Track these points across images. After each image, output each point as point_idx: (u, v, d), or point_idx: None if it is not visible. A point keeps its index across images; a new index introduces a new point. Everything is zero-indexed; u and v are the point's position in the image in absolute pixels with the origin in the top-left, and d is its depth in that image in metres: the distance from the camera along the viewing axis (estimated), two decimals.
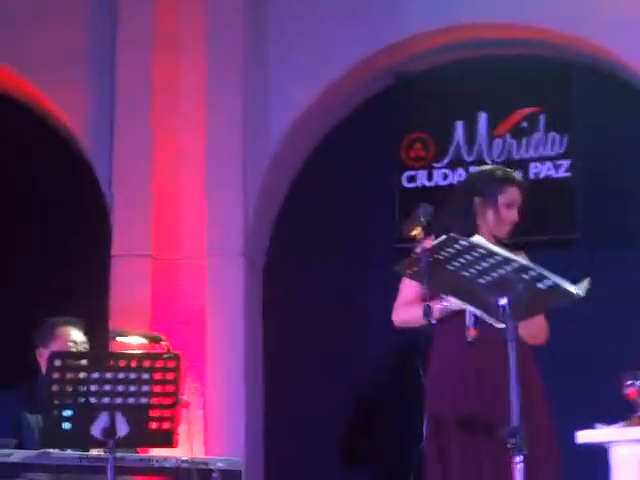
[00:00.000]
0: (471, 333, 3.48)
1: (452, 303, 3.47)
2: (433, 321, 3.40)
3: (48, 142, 6.12)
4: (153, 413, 3.75)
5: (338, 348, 5.45)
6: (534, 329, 3.43)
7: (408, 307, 3.68)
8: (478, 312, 3.15)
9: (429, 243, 3.20)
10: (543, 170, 5.35)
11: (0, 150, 6.04)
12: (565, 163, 5.33)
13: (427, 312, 3.33)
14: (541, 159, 5.36)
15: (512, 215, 3.70)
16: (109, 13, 5.95)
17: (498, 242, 3.48)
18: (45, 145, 6.11)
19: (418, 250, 3.15)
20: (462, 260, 2.96)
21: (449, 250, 2.95)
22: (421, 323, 3.46)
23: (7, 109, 6.14)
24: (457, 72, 5.59)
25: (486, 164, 5.15)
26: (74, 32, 6.10)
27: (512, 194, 3.75)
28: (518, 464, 2.69)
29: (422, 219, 3.38)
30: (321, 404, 5.45)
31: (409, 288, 3.69)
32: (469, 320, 3.51)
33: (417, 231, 3.37)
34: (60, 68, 6.02)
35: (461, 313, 3.52)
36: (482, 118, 5.47)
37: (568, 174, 5.31)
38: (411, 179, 5.54)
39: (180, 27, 5.92)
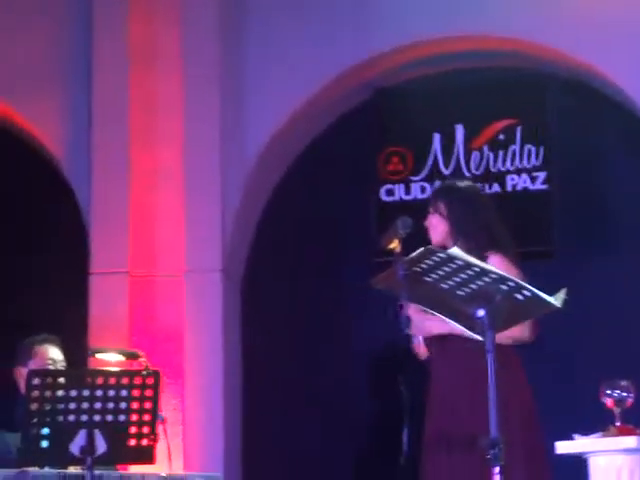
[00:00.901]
0: (422, 351, 3.79)
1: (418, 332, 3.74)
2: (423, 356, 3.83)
3: (27, 161, 6.38)
4: (131, 430, 3.82)
5: (318, 361, 5.55)
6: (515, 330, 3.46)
7: None
8: (458, 324, 3.21)
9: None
10: (520, 182, 5.49)
11: None
12: (542, 175, 5.45)
13: (406, 324, 3.47)
14: (518, 171, 5.50)
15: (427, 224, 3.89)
16: (84, 32, 6.13)
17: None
18: (24, 164, 6.38)
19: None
20: (440, 272, 3.02)
21: (427, 262, 3.01)
22: None
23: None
24: (432, 85, 5.75)
25: (463, 176, 5.31)
26: (50, 53, 6.31)
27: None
28: (496, 475, 2.75)
29: (401, 232, 3.48)
30: (300, 417, 5.56)
31: None
32: (416, 340, 3.75)
33: (395, 244, 3.48)
34: (36, 88, 6.23)
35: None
36: (459, 131, 5.60)
37: (545, 186, 5.44)
38: (389, 193, 5.68)
39: (156, 44, 6.10)
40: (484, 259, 3.54)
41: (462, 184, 4.05)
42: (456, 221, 3.76)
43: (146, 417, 3.84)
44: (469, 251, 3.48)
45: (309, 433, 5.51)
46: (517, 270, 3.62)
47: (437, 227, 3.76)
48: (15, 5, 6.40)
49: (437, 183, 4.74)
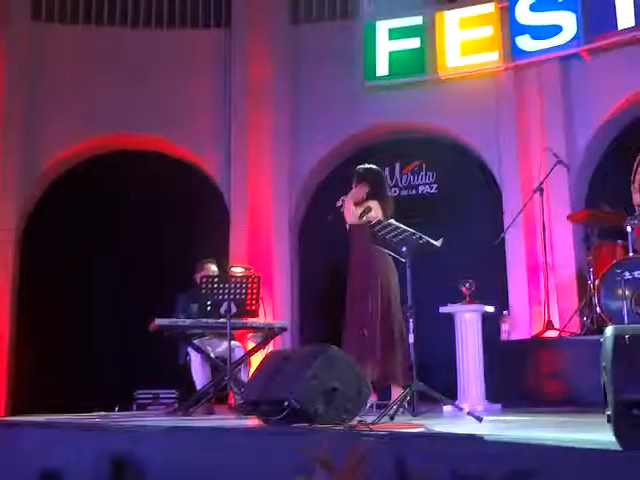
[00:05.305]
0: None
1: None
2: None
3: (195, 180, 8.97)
4: (247, 302, 5.99)
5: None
6: None
7: None
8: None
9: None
10: (423, 190, 8.76)
11: (165, 190, 8.73)
12: (434, 185, 8.69)
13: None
14: (422, 185, 8.64)
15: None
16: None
17: None
18: (194, 183, 8.96)
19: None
20: (386, 230, 5.20)
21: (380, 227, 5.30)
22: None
23: (165, 163, 8.98)
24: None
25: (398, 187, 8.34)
26: (211, 117, 8.95)
27: None
28: None
29: None
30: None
31: None
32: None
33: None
34: (206, 141, 8.94)
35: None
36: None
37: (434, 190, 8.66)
38: None
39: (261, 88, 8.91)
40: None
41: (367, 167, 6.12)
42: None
43: (254, 297, 6.01)
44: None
45: None
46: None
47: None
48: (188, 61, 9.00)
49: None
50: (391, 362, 5.46)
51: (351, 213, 5.75)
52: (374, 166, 6.11)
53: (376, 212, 5.65)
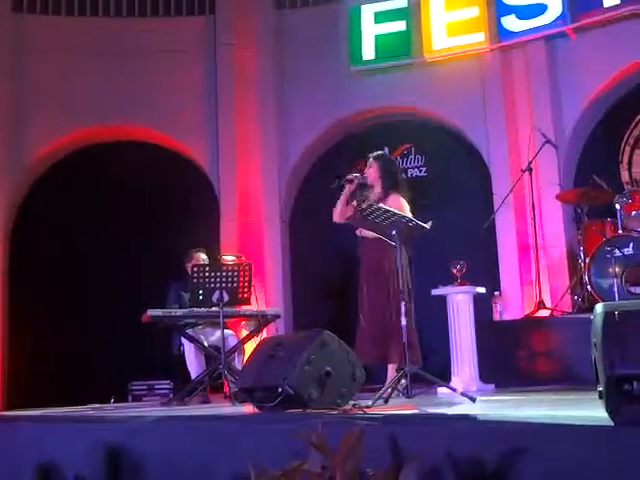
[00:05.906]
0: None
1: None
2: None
3: (184, 170, 8.95)
4: (240, 290, 5.94)
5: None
6: None
7: None
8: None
9: None
10: (412, 173, 8.65)
11: (153, 180, 8.69)
12: (424, 169, 8.57)
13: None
14: (412, 168, 8.52)
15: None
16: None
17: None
18: (183, 173, 8.94)
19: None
20: (376, 213, 5.14)
21: (370, 210, 5.21)
22: None
23: (153, 153, 8.94)
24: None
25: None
26: (198, 105, 8.91)
27: None
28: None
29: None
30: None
31: None
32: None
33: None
34: (194, 130, 8.91)
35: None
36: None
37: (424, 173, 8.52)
38: None
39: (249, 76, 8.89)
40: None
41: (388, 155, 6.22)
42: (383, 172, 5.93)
43: (246, 284, 5.94)
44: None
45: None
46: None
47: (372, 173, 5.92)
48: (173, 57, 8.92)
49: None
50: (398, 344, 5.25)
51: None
52: (385, 152, 6.13)
53: (400, 207, 5.57)
